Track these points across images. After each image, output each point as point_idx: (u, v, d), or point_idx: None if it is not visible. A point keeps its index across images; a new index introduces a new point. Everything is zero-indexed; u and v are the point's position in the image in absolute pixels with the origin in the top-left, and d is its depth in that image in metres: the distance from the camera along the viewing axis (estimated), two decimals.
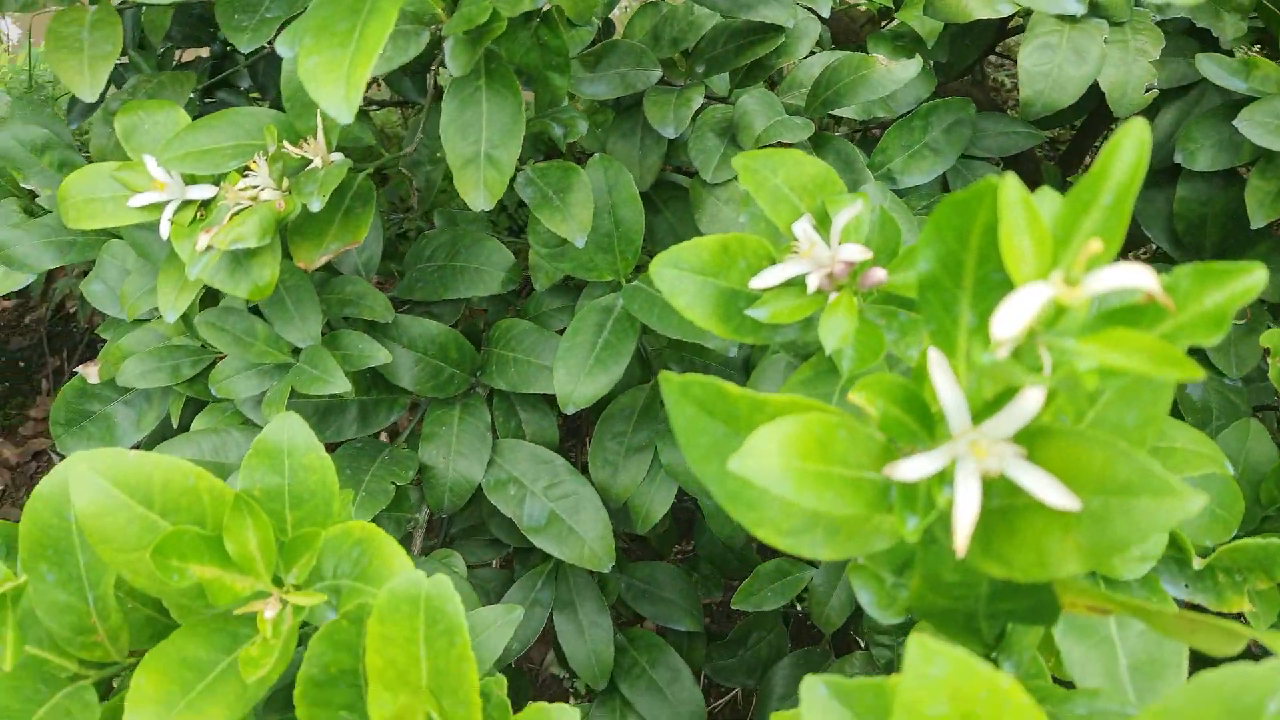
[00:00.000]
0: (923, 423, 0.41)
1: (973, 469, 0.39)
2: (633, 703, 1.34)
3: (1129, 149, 0.36)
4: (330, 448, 1.09)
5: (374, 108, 1.99)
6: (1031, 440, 0.40)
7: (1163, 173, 1.15)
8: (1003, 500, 0.41)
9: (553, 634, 1.34)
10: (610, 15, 1.30)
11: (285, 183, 0.82)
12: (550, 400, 1.25)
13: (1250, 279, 0.37)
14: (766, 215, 0.65)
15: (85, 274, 2.08)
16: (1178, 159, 1.07)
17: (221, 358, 1.08)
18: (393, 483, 1.06)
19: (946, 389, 0.38)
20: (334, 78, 0.57)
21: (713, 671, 1.47)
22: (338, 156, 0.85)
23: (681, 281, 0.65)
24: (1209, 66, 1.02)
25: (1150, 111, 1.13)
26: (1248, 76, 1.01)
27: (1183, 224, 1.11)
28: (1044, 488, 0.38)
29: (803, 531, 0.47)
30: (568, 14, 1.02)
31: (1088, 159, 1.61)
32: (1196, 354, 1.18)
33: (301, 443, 0.72)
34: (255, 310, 1.04)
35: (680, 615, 1.42)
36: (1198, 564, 0.65)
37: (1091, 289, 0.35)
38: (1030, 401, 0.38)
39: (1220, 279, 0.37)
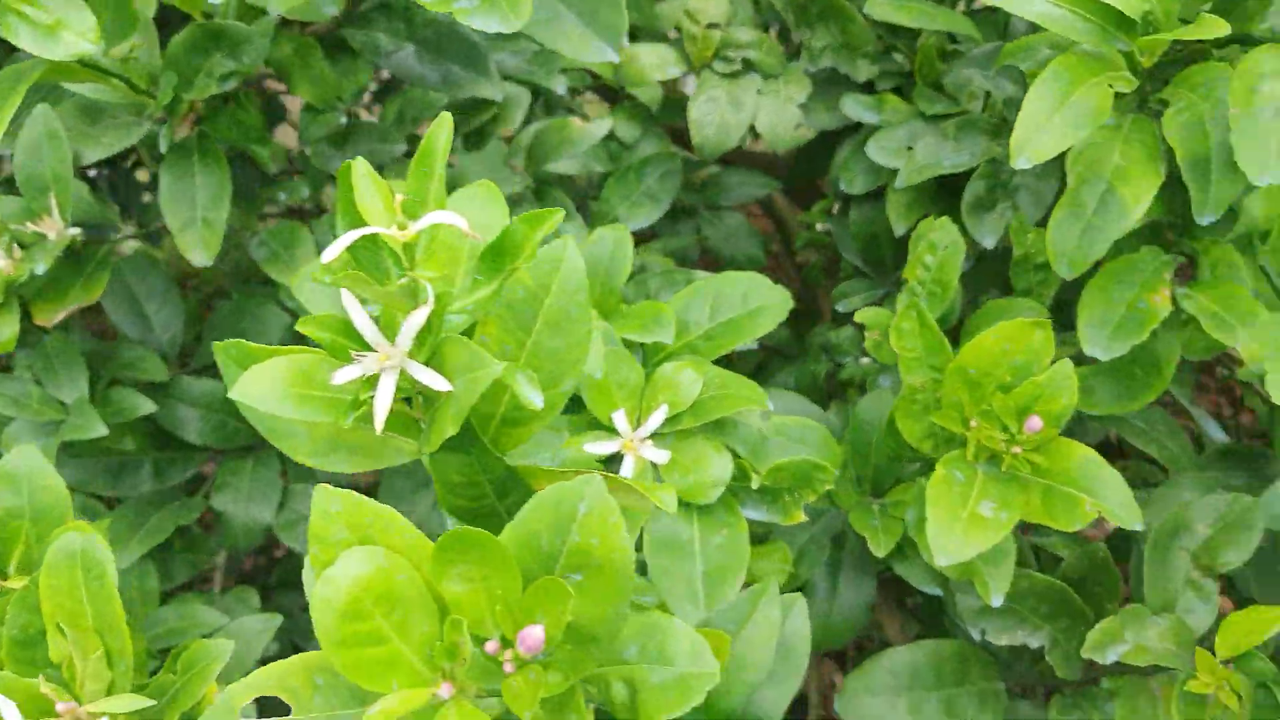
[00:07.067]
0: (360, 344, 0.56)
1: (391, 373, 0.54)
2: None
3: (441, 134, 0.52)
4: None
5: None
6: (440, 347, 0.55)
7: (847, 199, 1.33)
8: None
9: None
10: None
11: (18, 253, 0.96)
12: None
13: (554, 219, 0.53)
14: None
15: None
16: (842, 187, 1.24)
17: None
18: (175, 523, 1.19)
19: (358, 318, 0.54)
20: None
21: None
22: (76, 230, 0.99)
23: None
24: (850, 104, 1.21)
25: (830, 149, 1.32)
26: (880, 110, 1.20)
27: (859, 243, 1.29)
28: (427, 377, 0.53)
29: (329, 452, 0.62)
30: (312, 101, 1.18)
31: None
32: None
33: (38, 469, 0.85)
34: (38, 382, 1.17)
35: None
36: (755, 482, 0.80)
37: (415, 229, 0.50)
38: (418, 317, 0.53)
39: (540, 221, 0.53)
